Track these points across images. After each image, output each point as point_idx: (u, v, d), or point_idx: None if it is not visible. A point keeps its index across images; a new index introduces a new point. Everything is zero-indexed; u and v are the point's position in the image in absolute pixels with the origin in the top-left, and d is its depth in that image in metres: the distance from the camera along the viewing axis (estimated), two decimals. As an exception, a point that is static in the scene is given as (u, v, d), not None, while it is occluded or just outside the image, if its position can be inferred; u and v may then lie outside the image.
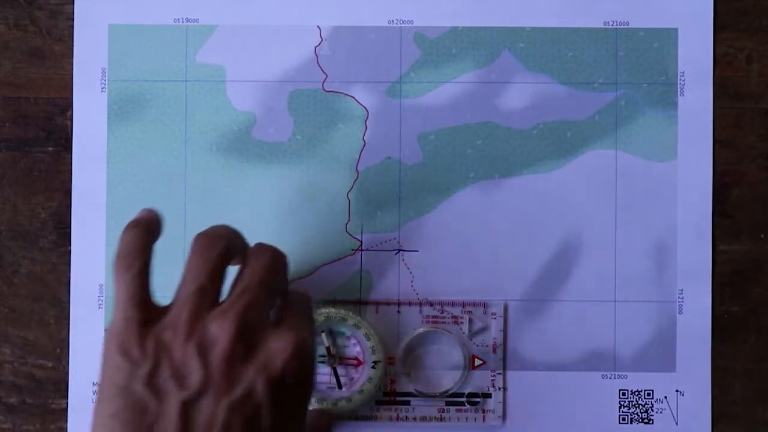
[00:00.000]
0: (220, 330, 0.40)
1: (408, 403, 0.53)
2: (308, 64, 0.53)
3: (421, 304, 0.53)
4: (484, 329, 0.53)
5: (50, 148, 0.53)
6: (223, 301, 0.42)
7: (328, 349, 0.52)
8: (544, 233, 0.53)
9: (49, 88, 0.53)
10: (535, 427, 0.53)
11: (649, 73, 0.53)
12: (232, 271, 0.43)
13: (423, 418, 0.53)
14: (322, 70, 0.53)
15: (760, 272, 0.53)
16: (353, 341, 0.52)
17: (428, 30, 0.53)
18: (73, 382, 0.53)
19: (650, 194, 0.53)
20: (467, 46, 0.53)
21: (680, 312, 0.53)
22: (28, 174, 0.53)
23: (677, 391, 0.53)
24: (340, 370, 0.52)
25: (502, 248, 0.53)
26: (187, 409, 0.39)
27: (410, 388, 0.53)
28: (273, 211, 0.53)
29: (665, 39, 0.53)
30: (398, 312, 0.53)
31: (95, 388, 0.53)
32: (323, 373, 0.52)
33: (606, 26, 0.53)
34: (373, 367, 0.52)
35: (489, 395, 0.53)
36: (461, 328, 0.53)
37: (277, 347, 0.40)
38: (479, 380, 0.53)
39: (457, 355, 0.53)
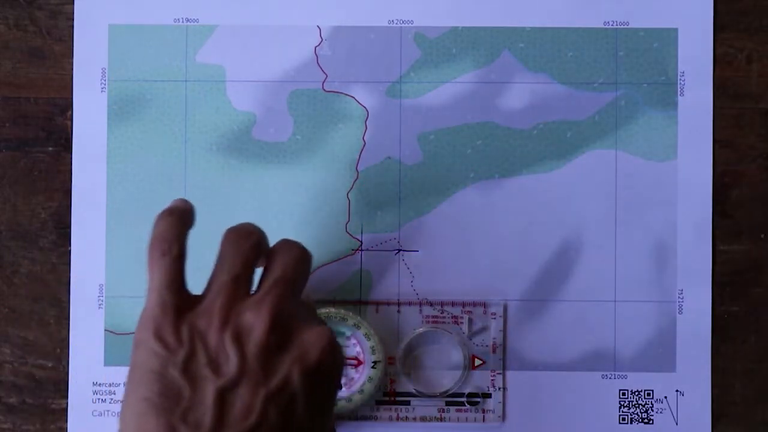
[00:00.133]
0: (255, 319, 0.40)
1: (408, 403, 0.53)
2: (308, 64, 0.53)
3: (421, 304, 0.53)
4: (484, 329, 0.53)
5: (50, 148, 0.53)
6: (256, 292, 0.42)
7: (328, 349, 0.52)
8: (544, 233, 0.53)
9: (49, 88, 0.53)
10: (535, 427, 0.53)
11: (649, 73, 0.53)
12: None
13: (423, 418, 0.53)
14: (322, 70, 0.53)
15: (760, 272, 0.53)
16: (353, 341, 0.52)
17: (428, 30, 0.53)
18: (73, 382, 0.53)
19: (650, 194, 0.53)
20: (467, 46, 0.53)
21: (680, 312, 0.53)
22: (28, 174, 0.53)
23: (677, 391, 0.53)
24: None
25: (502, 248, 0.53)
26: (223, 396, 0.39)
27: (410, 388, 0.53)
28: (273, 211, 0.53)
29: (665, 39, 0.53)
30: (398, 312, 0.53)
31: (95, 388, 0.53)
32: (323, 373, 0.52)
33: (606, 26, 0.53)
34: (373, 367, 0.52)
35: (489, 395, 0.53)
36: (461, 328, 0.53)
37: (313, 338, 0.41)
38: (479, 380, 0.53)
39: (457, 355, 0.53)
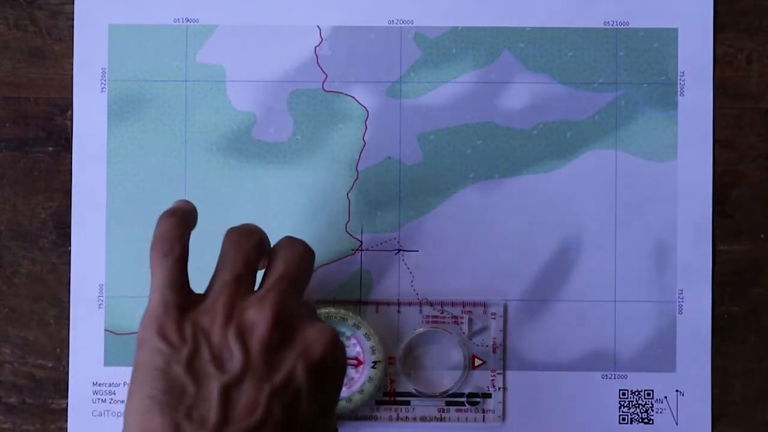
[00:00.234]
0: (258, 315, 0.40)
1: (408, 403, 0.53)
2: (308, 64, 0.53)
3: (421, 304, 0.53)
4: (484, 329, 0.53)
5: (50, 148, 0.53)
6: (259, 289, 0.42)
7: (328, 349, 0.52)
8: (544, 233, 0.53)
9: (49, 88, 0.53)
10: (535, 427, 0.53)
11: (649, 73, 0.53)
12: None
13: (423, 418, 0.53)
14: (322, 70, 0.53)
15: (760, 272, 0.53)
16: (353, 341, 0.52)
17: (428, 30, 0.53)
18: (73, 382, 0.53)
19: (650, 194, 0.53)
20: (467, 46, 0.53)
21: (680, 312, 0.53)
22: (28, 174, 0.53)
23: (677, 391, 0.53)
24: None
25: (502, 248, 0.53)
26: (227, 392, 0.39)
27: (410, 388, 0.53)
28: (273, 211, 0.53)
29: (665, 39, 0.53)
30: (398, 312, 0.53)
31: (95, 388, 0.53)
32: (323, 373, 0.52)
33: (606, 26, 0.53)
34: (373, 367, 0.52)
35: (489, 395, 0.53)
36: (461, 328, 0.53)
37: (316, 334, 0.41)
38: (479, 380, 0.53)
39: (457, 355, 0.53)
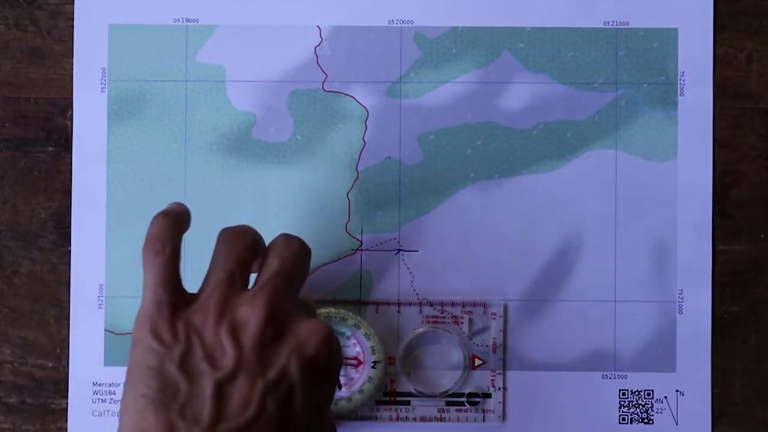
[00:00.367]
0: (251, 312, 0.40)
1: (408, 403, 0.53)
2: (308, 64, 0.53)
3: (421, 304, 0.53)
4: (484, 329, 0.53)
5: (50, 148, 0.53)
6: (252, 287, 0.42)
7: (328, 349, 0.52)
8: (544, 233, 0.53)
9: (49, 88, 0.53)
10: (535, 427, 0.53)
11: (649, 73, 0.53)
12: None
13: (423, 418, 0.53)
14: (322, 70, 0.53)
15: (760, 272, 0.53)
16: (353, 341, 0.52)
17: (428, 30, 0.53)
18: (73, 382, 0.53)
19: (650, 194, 0.53)
20: (467, 46, 0.53)
21: (680, 312, 0.53)
22: (28, 174, 0.53)
23: (677, 391, 0.53)
24: (340, 370, 0.52)
25: (502, 248, 0.53)
26: (221, 389, 0.39)
27: (410, 388, 0.53)
28: (273, 211, 0.53)
29: (665, 39, 0.53)
30: (398, 312, 0.53)
31: (95, 388, 0.53)
32: (323, 373, 0.52)
33: (606, 26, 0.53)
34: (373, 367, 0.52)
35: (489, 395, 0.53)
36: (461, 328, 0.53)
37: (309, 330, 0.41)
38: (479, 380, 0.53)
39: (457, 355, 0.53)
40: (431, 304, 0.53)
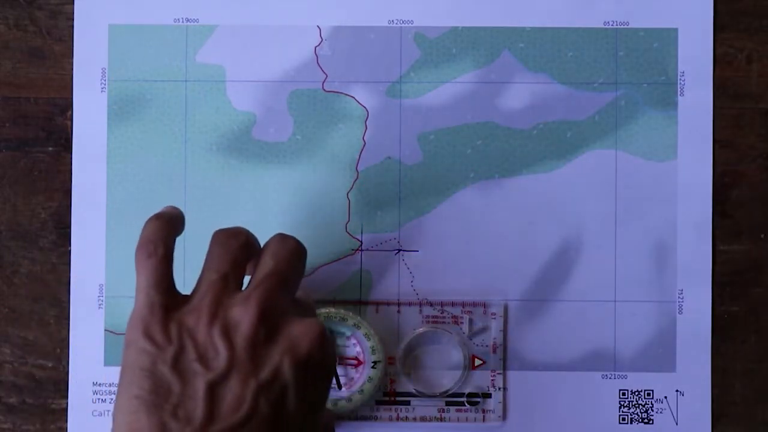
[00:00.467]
0: (243, 313, 0.40)
1: (408, 403, 0.53)
2: (308, 64, 0.53)
3: (421, 304, 0.53)
4: (484, 329, 0.53)
5: (50, 148, 0.53)
6: (246, 287, 0.42)
7: (328, 349, 0.52)
8: (544, 233, 0.53)
9: (49, 88, 0.53)
10: (535, 427, 0.53)
11: (649, 73, 0.53)
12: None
13: (423, 418, 0.53)
14: (322, 70, 0.53)
15: (760, 272, 0.53)
16: (353, 341, 0.52)
17: (428, 30, 0.53)
18: (73, 382, 0.53)
19: (650, 194, 0.53)
20: (467, 46, 0.53)
21: (680, 312, 0.53)
22: (28, 174, 0.53)
23: (677, 391, 0.53)
24: (340, 371, 0.52)
25: (502, 248, 0.53)
26: (213, 389, 0.39)
27: (410, 388, 0.53)
28: (273, 211, 0.53)
29: (665, 39, 0.53)
30: (398, 312, 0.53)
31: (95, 388, 0.53)
32: (323, 373, 0.52)
33: (606, 26, 0.53)
34: (373, 367, 0.52)
35: (489, 395, 0.53)
36: (461, 328, 0.53)
37: (302, 330, 0.41)
38: (479, 380, 0.53)
39: (457, 355, 0.53)
40: (431, 304, 0.53)
